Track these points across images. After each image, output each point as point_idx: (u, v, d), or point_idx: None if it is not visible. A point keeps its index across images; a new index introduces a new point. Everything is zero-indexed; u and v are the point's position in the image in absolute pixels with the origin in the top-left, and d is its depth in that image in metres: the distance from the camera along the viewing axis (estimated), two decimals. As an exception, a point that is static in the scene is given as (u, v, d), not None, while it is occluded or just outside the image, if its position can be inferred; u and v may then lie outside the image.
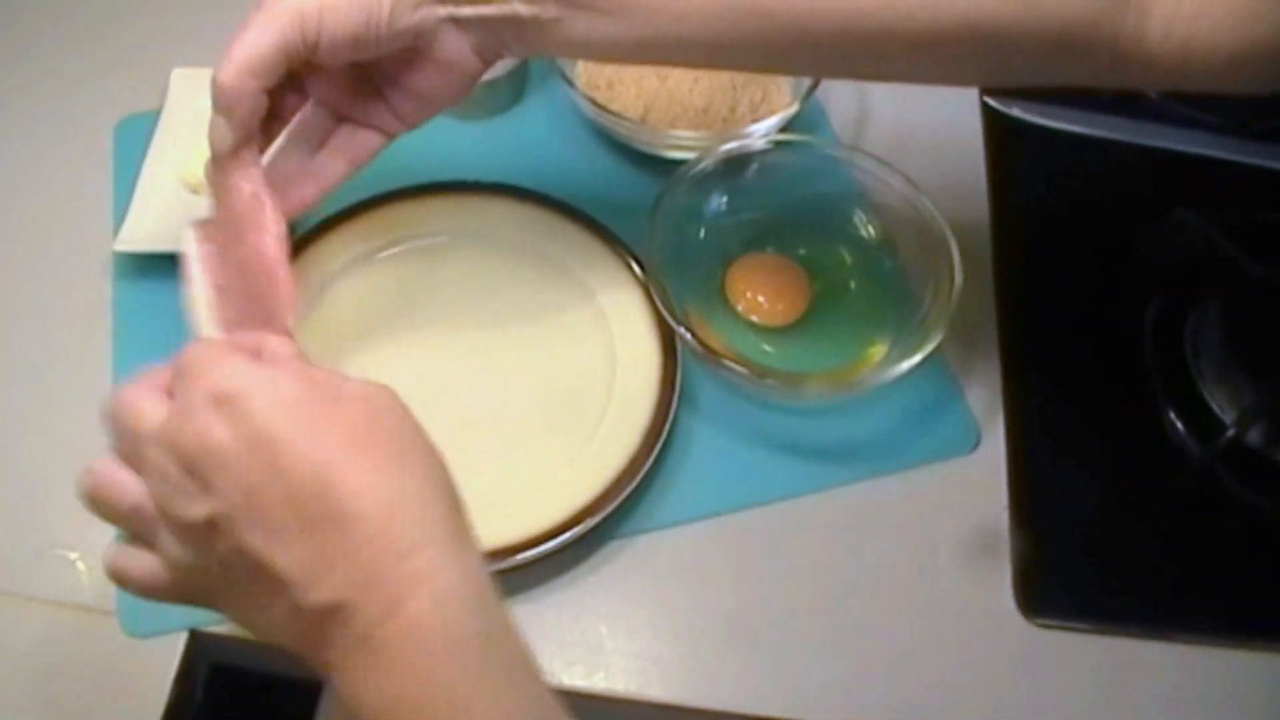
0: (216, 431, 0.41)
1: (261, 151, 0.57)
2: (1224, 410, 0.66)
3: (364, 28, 0.52)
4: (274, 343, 0.47)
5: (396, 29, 0.53)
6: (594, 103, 0.74)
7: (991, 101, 0.82)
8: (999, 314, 0.72)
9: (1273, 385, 0.65)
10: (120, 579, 0.46)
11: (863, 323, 0.69)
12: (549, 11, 0.54)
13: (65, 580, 0.61)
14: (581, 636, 0.60)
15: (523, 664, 0.42)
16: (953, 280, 0.66)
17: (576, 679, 0.59)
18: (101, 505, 0.45)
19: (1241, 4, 0.50)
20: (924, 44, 0.55)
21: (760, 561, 0.63)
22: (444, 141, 0.78)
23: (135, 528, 0.45)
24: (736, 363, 0.63)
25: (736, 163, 0.71)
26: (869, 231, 0.72)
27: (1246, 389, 0.66)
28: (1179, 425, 0.67)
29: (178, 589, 0.45)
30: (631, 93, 0.76)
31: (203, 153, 0.73)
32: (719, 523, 0.64)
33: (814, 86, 0.74)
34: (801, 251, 0.72)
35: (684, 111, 0.75)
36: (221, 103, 0.53)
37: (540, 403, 0.66)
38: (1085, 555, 0.64)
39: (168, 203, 0.73)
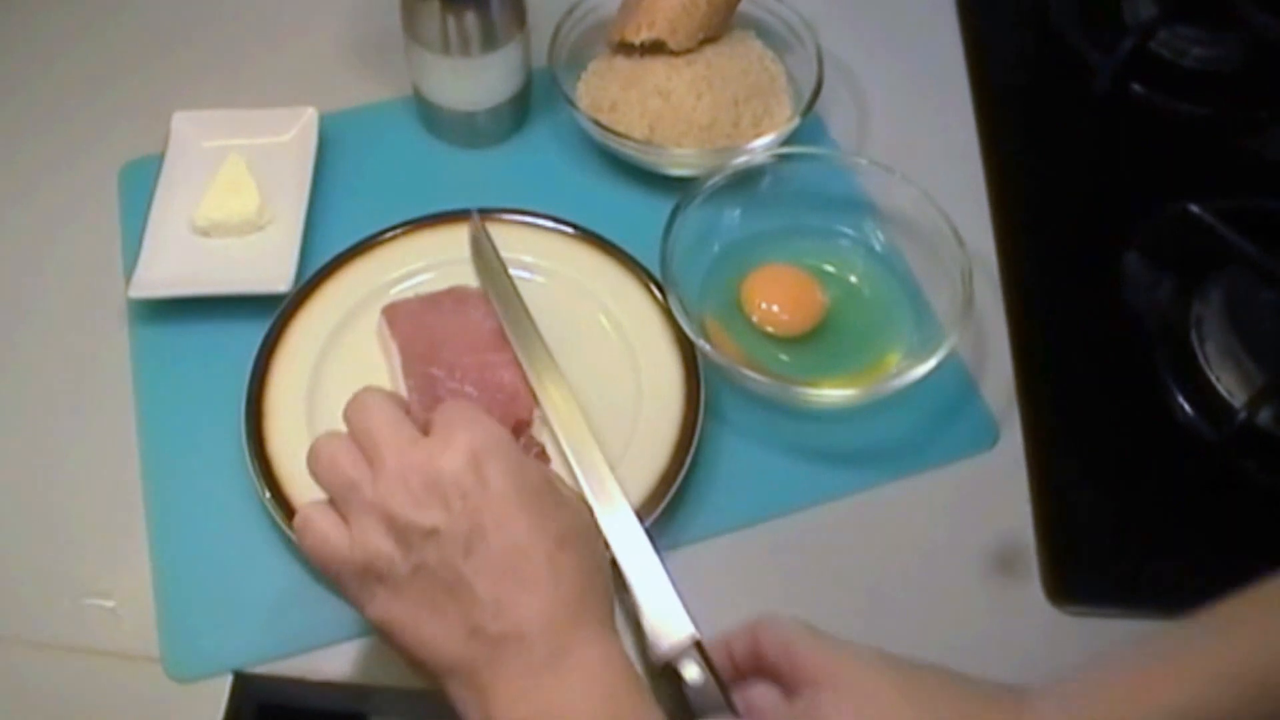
0: (467, 472, 0.50)
1: None
2: (1233, 395, 0.68)
3: None
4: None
5: None
6: (598, 124, 0.74)
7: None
8: (1009, 311, 0.73)
9: (1278, 367, 0.67)
10: (305, 528, 0.52)
11: (878, 328, 0.70)
12: None
13: (104, 628, 0.61)
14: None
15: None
16: (963, 281, 0.67)
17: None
18: (323, 471, 0.52)
19: None
20: None
21: (793, 567, 0.64)
22: (451, 170, 0.79)
23: (341, 499, 0.52)
24: (756, 372, 0.64)
25: (748, 177, 0.72)
26: (879, 238, 0.73)
27: (1254, 373, 0.67)
28: (1189, 410, 0.68)
29: (348, 564, 0.51)
30: (635, 113, 0.76)
31: (209, 196, 0.74)
32: (751, 532, 0.65)
33: (813, 100, 0.76)
34: (814, 261, 0.73)
35: (688, 129, 0.75)
36: None
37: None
38: (1110, 541, 0.65)
39: (179, 246, 0.73)
